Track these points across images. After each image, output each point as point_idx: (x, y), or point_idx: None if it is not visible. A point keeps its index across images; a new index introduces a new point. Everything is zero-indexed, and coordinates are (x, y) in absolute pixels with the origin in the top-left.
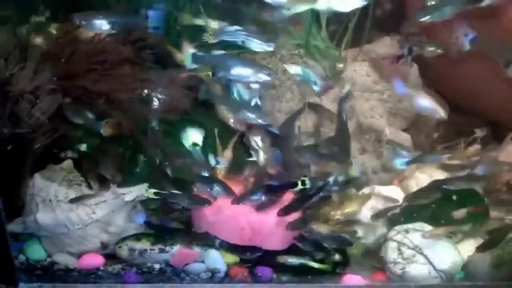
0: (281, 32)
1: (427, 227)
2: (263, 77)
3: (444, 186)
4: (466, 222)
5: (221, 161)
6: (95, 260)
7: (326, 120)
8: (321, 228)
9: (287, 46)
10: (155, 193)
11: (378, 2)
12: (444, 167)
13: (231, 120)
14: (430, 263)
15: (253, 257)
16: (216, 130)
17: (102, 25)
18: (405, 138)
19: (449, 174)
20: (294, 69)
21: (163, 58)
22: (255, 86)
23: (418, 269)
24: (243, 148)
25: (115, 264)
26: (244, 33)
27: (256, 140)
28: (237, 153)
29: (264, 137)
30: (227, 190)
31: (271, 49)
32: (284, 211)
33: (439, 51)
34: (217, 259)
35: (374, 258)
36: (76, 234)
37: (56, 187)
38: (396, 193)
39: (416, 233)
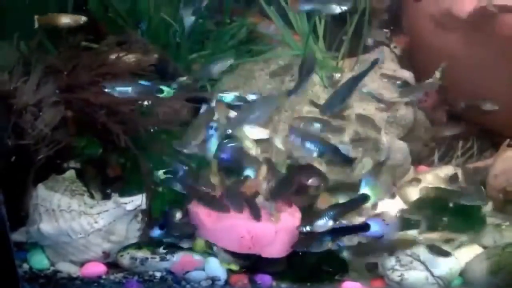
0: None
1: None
2: None
3: None
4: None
5: None
6: (97, 269)
7: None
8: None
9: None
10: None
11: (374, 12)
12: None
13: None
14: (428, 269)
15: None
16: None
17: None
18: (402, 146)
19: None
20: None
21: (164, 70)
22: None
23: (416, 275)
24: None
25: (117, 273)
26: None
27: None
28: None
29: None
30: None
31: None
32: None
33: None
34: (217, 267)
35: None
36: (78, 243)
37: (59, 197)
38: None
39: None
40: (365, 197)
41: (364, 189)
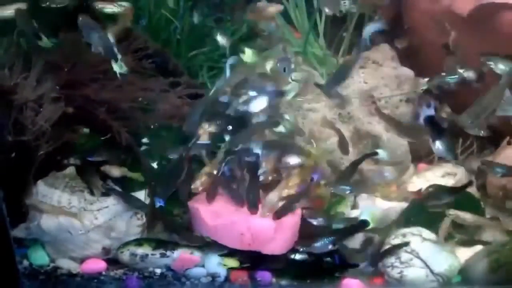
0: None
1: (424, 231)
2: None
3: None
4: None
5: None
6: (97, 265)
7: None
8: None
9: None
10: None
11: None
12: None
13: None
14: (428, 266)
15: None
16: None
17: None
18: (401, 143)
19: None
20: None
21: (163, 67)
22: None
23: (415, 272)
24: None
25: (117, 269)
26: None
27: None
28: None
29: None
30: None
31: None
32: None
33: None
34: (217, 264)
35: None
36: (78, 240)
37: (59, 194)
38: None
39: (413, 237)
40: (364, 223)
41: (364, 215)
